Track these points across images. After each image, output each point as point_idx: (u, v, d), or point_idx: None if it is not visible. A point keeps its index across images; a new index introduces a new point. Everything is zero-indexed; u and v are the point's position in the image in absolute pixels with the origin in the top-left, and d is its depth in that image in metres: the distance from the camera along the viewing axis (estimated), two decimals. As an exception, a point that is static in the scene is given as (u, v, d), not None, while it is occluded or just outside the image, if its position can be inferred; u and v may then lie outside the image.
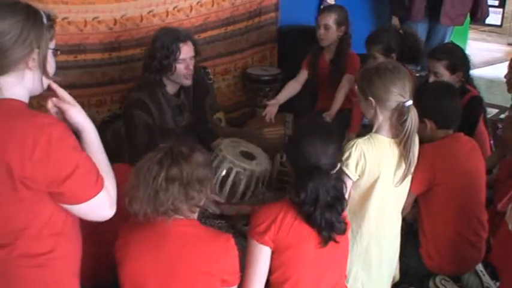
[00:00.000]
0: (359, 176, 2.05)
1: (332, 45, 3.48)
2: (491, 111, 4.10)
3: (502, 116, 3.88)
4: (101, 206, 1.49)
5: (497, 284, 2.35)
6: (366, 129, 2.21)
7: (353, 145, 2.03)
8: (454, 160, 2.35)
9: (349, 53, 3.47)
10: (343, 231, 1.80)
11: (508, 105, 2.95)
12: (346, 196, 1.89)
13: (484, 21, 4.93)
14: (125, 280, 1.67)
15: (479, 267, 2.43)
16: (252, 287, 1.79)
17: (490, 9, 4.57)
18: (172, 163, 1.61)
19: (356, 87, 2.18)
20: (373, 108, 2.06)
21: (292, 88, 3.56)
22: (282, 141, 3.48)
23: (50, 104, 1.53)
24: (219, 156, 2.88)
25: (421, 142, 2.21)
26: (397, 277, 2.32)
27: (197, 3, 3.70)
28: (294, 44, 4.08)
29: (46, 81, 1.53)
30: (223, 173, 2.83)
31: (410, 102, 2.02)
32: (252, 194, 2.82)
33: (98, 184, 1.47)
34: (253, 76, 4.07)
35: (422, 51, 3.21)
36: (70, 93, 1.56)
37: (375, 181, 2.05)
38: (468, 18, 4.49)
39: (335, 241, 1.78)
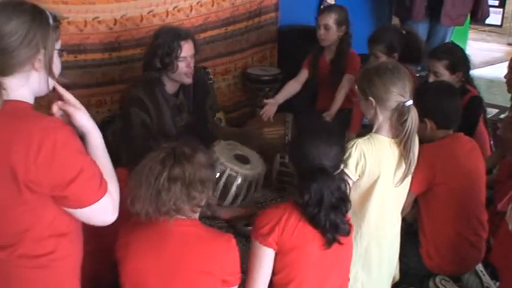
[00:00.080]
0: (359, 176, 2.05)
1: (332, 45, 3.48)
2: (491, 111, 4.10)
3: (502, 116, 3.88)
4: (104, 211, 1.49)
5: (497, 284, 2.35)
6: (366, 129, 2.21)
7: (353, 145, 2.02)
8: (454, 160, 2.35)
9: (349, 53, 3.48)
10: (348, 233, 1.80)
11: (508, 106, 2.95)
12: None
13: (484, 21, 4.93)
14: (126, 280, 1.67)
15: (479, 267, 2.43)
16: None
17: (490, 9, 4.57)
18: (175, 163, 1.61)
19: (356, 87, 2.18)
20: (373, 108, 2.06)
21: (291, 88, 3.56)
22: (282, 141, 3.48)
23: (55, 108, 1.52)
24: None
25: (420, 142, 2.21)
26: (397, 277, 2.32)
27: (197, 3, 3.70)
28: (294, 44, 4.08)
29: (51, 82, 1.52)
30: (216, 175, 2.83)
31: (410, 102, 2.02)
32: (244, 198, 2.79)
33: (101, 188, 1.46)
34: (253, 76, 4.07)
35: (423, 51, 3.22)
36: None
37: (375, 181, 2.05)
38: (468, 18, 4.49)
39: (339, 243, 1.77)
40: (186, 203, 1.62)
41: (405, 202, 2.23)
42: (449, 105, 2.43)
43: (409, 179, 2.14)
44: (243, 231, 2.88)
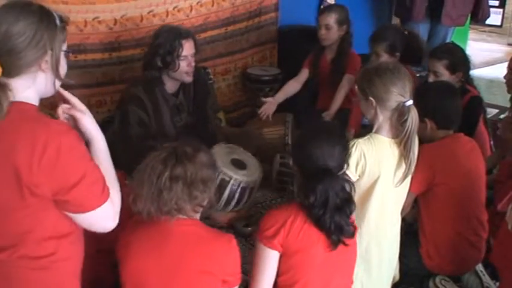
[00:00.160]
0: (359, 176, 2.05)
1: (333, 44, 3.48)
2: (491, 112, 4.09)
3: (502, 116, 3.88)
4: (105, 217, 1.48)
5: (497, 284, 2.35)
6: (366, 129, 2.21)
7: (353, 145, 2.02)
8: (454, 160, 2.35)
9: (350, 52, 3.47)
10: (352, 235, 1.79)
11: (508, 106, 2.95)
12: None
13: (485, 21, 4.93)
14: (127, 279, 1.67)
15: (479, 267, 2.43)
16: None
17: (490, 9, 4.57)
18: (177, 163, 1.62)
19: (356, 87, 2.18)
20: (373, 108, 2.06)
21: (291, 87, 3.56)
22: (282, 141, 3.48)
23: (60, 111, 1.52)
24: None
25: (421, 142, 2.21)
26: (397, 277, 2.32)
27: (197, 3, 3.70)
28: (294, 44, 4.09)
29: (58, 84, 1.52)
30: None
31: (410, 102, 2.03)
32: (238, 203, 2.76)
33: (104, 194, 1.46)
34: (253, 76, 4.08)
35: (424, 51, 3.22)
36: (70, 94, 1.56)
37: (375, 181, 2.05)
38: (468, 18, 4.49)
39: (344, 244, 1.77)
40: (188, 202, 1.62)
41: (405, 202, 2.23)
42: (449, 105, 2.43)
43: (409, 179, 2.14)
44: (243, 231, 2.89)
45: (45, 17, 1.46)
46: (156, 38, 2.85)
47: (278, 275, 1.80)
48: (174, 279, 1.63)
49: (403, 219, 2.28)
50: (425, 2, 4.19)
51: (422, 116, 2.20)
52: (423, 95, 2.32)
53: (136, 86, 2.88)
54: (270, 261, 1.77)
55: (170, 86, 2.94)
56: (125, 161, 1.99)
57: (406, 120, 2.01)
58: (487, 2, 4.42)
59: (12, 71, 1.42)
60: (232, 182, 2.69)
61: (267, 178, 3.24)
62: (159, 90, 2.89)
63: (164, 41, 2.80)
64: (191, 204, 1.63)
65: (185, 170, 1.61)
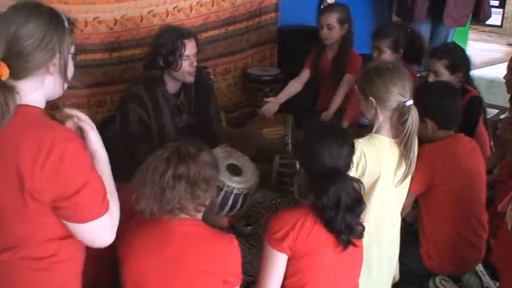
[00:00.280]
0: (359, 176, 2.04)
1: (335, 43, 3.47)
2: (492, 112, 4.10)
3: (502, 116, 3.88)
4: (103, 229, 1.46)
5: (497, 284, 2.35)
6: (366, 129, 2.21)
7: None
8: (455, 160, 2.35)
9: (351, 51, 3.47)
10: (361, 235, 1.80)
11: (508, 106, 2.95)
12: None
13: (485, 21, 4.94)
14: (128, 278, 1.68)
15: (479, 267, 2.43)
16: None
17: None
18: (180, 162, 1.62)
19: (356, 87, 2.18)
20: (373, 108, 2.06)
21: (293, 88, 3.56)
22: (282, 142, 3.48)
23: (71, 123, 1.51)
24: None
25: (421, 142, 2.21)
26: (397, 277, 2.32)
27: (197, 3, 3.70)
28: (294, 44, 4.08)
29: (65, 86, 1.51)
30: None
31: (410, 102, 2.02)
32: (231, 209, 2.73)
33: (103, 206, 1.44)
34: (253, 76, 4.07)
35: (425, 52, 3.22)
36: (70, 94, 1.56)
37: (375, 181, 2.05)
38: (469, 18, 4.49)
39: (354, 245, 1.77)
40: (190, 201, 1.63)
41: (405, 202, 2.23)
42: (450, 105, 2.43)
43: (409, 179, 2.14)
44: (243, 231, 2.89)
45: (54, 19, 1.44)
46: (158, 38, 2.85)
47: (285, 277, 1.80)
48: (175, 278, 1.64)
49: (403, 219, 2.28)
50: (426, 3, 4.20)
51: (423, 116, 2.20)
52: (424, 95, 2.33)
53: (137, 84, 2.89)
54: (278, 264, 1.77)
55: (172, 86, 2.93)
56: (123, 162, 2.00)
57: (406, 120, 2.01)
58: (488, 2, 4.42)
59: (19, 74, 1.40)
60: (225, 188, 2.66)
61: (266, 178, 3.24)
62: (160, 90, 2.89)
63: (166, 41, 2.80)
64: (194, 203, 1.64)
65: (188, 169, 1.62)
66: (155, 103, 2.86)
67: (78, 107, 3.23)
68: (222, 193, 2.68)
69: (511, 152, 2.63)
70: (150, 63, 2.86)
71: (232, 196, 2.68)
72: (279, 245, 1.74)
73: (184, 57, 2.82)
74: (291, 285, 1.80)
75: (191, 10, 3.68)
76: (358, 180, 1.81)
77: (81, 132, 1.52)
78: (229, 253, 1.68)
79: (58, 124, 1.45)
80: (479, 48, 6.48)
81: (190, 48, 2.84)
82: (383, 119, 2.06)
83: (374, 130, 2.08)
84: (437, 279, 2.36)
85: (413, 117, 2.02)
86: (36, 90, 1.44)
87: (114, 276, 1.99)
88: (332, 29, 3.40)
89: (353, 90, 3.13)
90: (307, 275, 1.77)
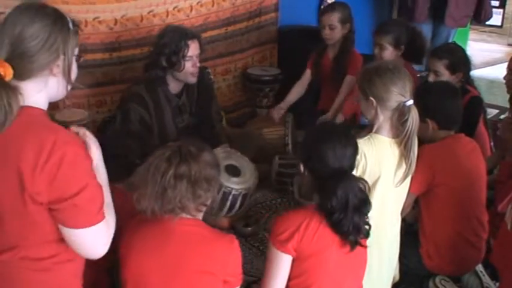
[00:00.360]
0: (359, 176, 2.04)
1: (337, 43, 3.47)
2: (492, 112, 4.10)
3: (502, 116, 3.88)
4: (98, 238, 1.44)
5: (497, 284, 2.35)
6: (366, 129, 2.21)
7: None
8: (455, 161, 2.35)
9: (352, 50, 3.47)
10: (367, 234, 1.80)
11: (509, 106, 2.95)
12: None
13: (486, 21, 4.94)
14: (128, 278, 1.68)
15: (479, 267, 2.43)
16: None
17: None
18: (181, 161, 1.62)
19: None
20: (373, 108, 2.06)
21: (296, 93, 3.59)
22: (282, 142, 3.48)
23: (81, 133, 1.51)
24: None
25: (421, 142, 2.21)
26: (397, 277, 2.32)
27: (197, 3, 3.70)
28: (294, 44, 4.09)
29: (69, 88, 1.50)
30: None
31: (411, 102, 2.02)
32: (230, 210, 2.72)
33: (100, 213, 1.43)
34: (253, 76, 4.07)
35: (426, 50, 3.22)
36: (70, 94, 1.55)
37: (375, 181, 2.05)
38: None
39: (361, 245, 1.77)
40: (192, 201, 1.63)
41: (405, 203, 2.23)
42: (452, 105, 2.43)
43: (409, 179, 2.14)
44: (243, 231, 2.89)
45: (59, 20, 1.43)
46: (162, 38, 2.84)
47: (290, 278, 1.79)
48: (175, 278, 1.64)
49: (403, 220, 2.28)
50: (427, 3, 4.20)
51: (423, 116, 2.21)
52: (425, 95, 2.33)
53: (139, 84, 2.88)
54: (283, 265, 1.77)
55: (174, 87, 2.93)
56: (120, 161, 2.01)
57: (406, 120, 2.01)
58: (490, 3, 4.43)
59: (23, 74, 1.40)
60: (223, 189, 2.65)
61: (266, 178, 3.24)
62: (162, 90, 2.88)
63: (170, 41, 2.79)
64: (195, 203, 1.64)
65: (189, 168, 1.62)
66: (157, 103, 2.86)
67: (78, 107, 3.24)
68: (221, 194, 2.66)
69: (511, 152, 2.63)
70: (153, 63, 2.86)
71: (230, 197, 2.67)
72: (284, 246, 1.74)
73: (187, 58, 2.81)
74: (295, 286, 1.79)
75: (191, 10, 3.69)
76: (363, 180, 1.81)
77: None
78: (229, 253, 1.68)
79: (60, 126, 1.44)
80: (480, 49, 6.47)
81: (193, 49, 2.83)
82: (383, 119, 2.06)
83: (374, 130, 2.08)
84: (437, 279, 2.36)
85: (414, 117, 2.02)
86: (40, 91, 1.44)
87: (111, 279, 2.00)
88: (334, 29, 3.40)
89: (354, 91, 3.13)
90: (312, 276, 1.77)
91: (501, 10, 5.87)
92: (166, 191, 1.60)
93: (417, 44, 3.20)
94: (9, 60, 1.37)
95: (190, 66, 2.84)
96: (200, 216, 1.71)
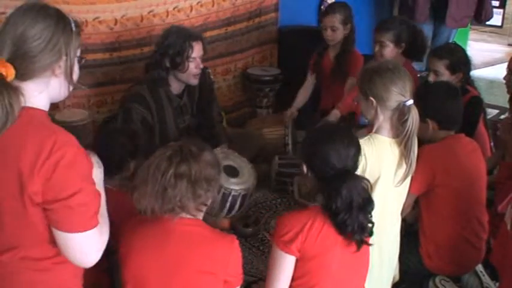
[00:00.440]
0: (359, 176, 2.05)
1: (338, 43, 3.47)
2: (492, 112, 4.10)
3: (502, 116, 3.88)
4: (90, 245, 1.42)
5: (497, 284, 2.35)
6: (366, 129, 2.21)
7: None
8: (455, 161, 2.35)
9: (353, 50, 3.47)
10: (371, 233, 1.80)
11: (508, 106, 2.95)
12: None
13: (486, 22, 4.94)
14: (129, 276, 1.68)
15: (479, 267, 2.43)
16: None
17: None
18: (182, 160, 1.63)
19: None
20: (373, 108, 2.06)
21: (303, 97, 3.62)
22: (282, 141, 3.49)
23: None
24: None
25: (421, 142, 2.21)
26: (397, 277, 2.32)
27: (197, 3, 3.70)
28: (294, 44, 4.09)
29: (70, 89, 1.50)
30: None
31: (411, 102, 2.02)
32: (229, 211, 2.71)
33: (93, 220, 1.41)
34: (253, 76, 4.08)
35: (427, 48, 3.21)
36: (71, 94, 1.55)
37: (376, 181, 2.05)
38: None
39: (367, 244, 1.78)
40: (192, 200, 1.63)
41: (405, 203, 2.23)
42: (452, 106, 2.42)
43: (409, 179, 2.14)
44: (244, 232, 2.89)
45: (61, 21, 1.43)
46: (166, 38, 2.83)
47: (293, 279, 1.79)
48: (175, 278, 1.64)
49: (404, 220, 2.28)
50: (428, 3, 4.20)
51: (424, 117, 2.20)
52: (425, 95, 2.33)
53: (141, 84, 2.88)
54: (286, 266, 1.77)
55: (175, 87, 2.93)
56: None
57: (406, 120, 2.01)
58: (490, 3, 4.43)
59: (25, 75, 1.39)
60: (223, 190, 2.64)
61: (266, 178, 3.24)
62: (164, 90, 2.88)
63: (174, 42, 2.79)
64: (195, 202, 1.64)
65: (190, 167, 1.62)
66: (159, 104, 2.86)
67: (78, 107, 3.25)
68: (220, 195, 2.66)
69: (511, 152, 2.63)
70: (156, 63, 2.85)
71: (230, 198, 2.66)
72: (288, 247, 1.74)
73: (191, 59, 2.81)
74: (298, 287, 1.79)
75: (191, 10, 3.69)
76: (365, 179, 1.81)
77: None
78: (230, 253, 1.68)
79: (61, 128, 1.43)
80: (480, 49, 6.48)
81: (197, 50, 2.84)
82: (383, 118, 2.06)
83: (374, 130, 2.08)
84: (437, 279, 2.36)
85: (414, 117, 2.01)
86: (41, 92, 1.43)
87: (111, 279, 2.00)
88: (336, 31, 3.40)
89: (354, 91, 3.13)
90: (315, 277, 1.77)
91: (501, 10, 5.87)
92: (166, 190, 1.60)
93: (418, 41, 3.19)
94: (11, 60, 1.37)
95: (193, 68, 2.84)
96: (200, 216, 1.71)
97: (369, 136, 2.08)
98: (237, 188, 2.67)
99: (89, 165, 1.43)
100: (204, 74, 3.01)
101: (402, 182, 2.10)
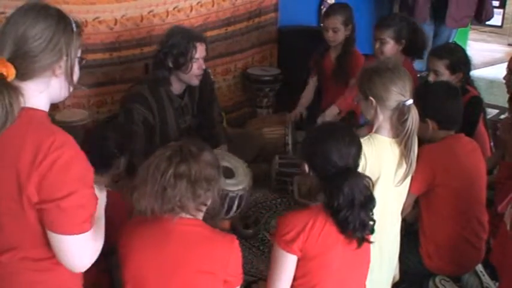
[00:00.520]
0: (359, 176, 2.05)
1: (339, 44, 3.47)
2: (492, 112, 4.09)
3: (502, 116, 3.88)
4: (84, 249, 1.41)
5: (497, 284, 2.35)
6: (365, 128, 2.21)
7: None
8: (455, 161, 2.35)
9: (354, 50, 3.47)
10: (373, 230, 1.80)
11: (508, 106, 2.95)
12: None
13: (487, 22, 4.95)
14: (129, 277, 1.68)
15: (479, 267, 2.44)
16: None
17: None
18: (181, 160, 1.63)
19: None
20: (373, 108, 2.06)
21: (307, 100, 3.64)
22: (282, 141, 3.49)
23: None
24: None
25: (421, 142, 2.21)
26: (397, 277, 2.32)
27: (197, 3, 3.71)
28: (294, 44, 4.09)
29: (71, 89, 1.50)
30: None
31: (410, 102, 2.02)
32: (227, 213, 2.68)
33: (86, 223, 1.40)
34: (253, 76, 4.08)
35: (427, 45, 3.21)
36: (71, 94, 1.55)
37: (376, 181, 2.04)
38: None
39: (368, 241, 1.78)
40: (191, 200, 1.63)
41: (405, 203, 2.23)
42: (452, 106, 2.42)
43: (409, 178, 2.14)
44: (244, 233, 2.89)
45: (62, 21, 1.43)
46: (170, 38, 2.83)
47: (294, 278, 1.79)
48: (173, 277, 1.64)
49: (404, 219, 2.28)
50: (427, 4, 4.20)
51: (424, 117, 2.20)
52: (425, 95, 2.33)
53: (142, 84, 2.88)
54: (288, 265, 1.76)
55: (177, 88, 2.93)
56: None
57: (406, 120, 2.01)
58: (491, 3, 4.43)
59: (26, 75, 1.39)
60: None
61: (265, 179, 3.24)
62: (165, 90, 2.88)
63: (178, 43, 2.79)
64: (195, 202, 1.64)
65: (189, 167, 1.62)
66: (160, 104, 2.86)
67: (78, 107, 3.25)
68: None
69: (511, 152, 2.63)
70: (159, 63, 2.84)
71: (227, 199, 2.64)
72: (289, 246, 1.74)
73: (194, 60, 2.82)
74: (299, 286, 1.79)
75: (191, 10, 3.69)
76: (367, 177, 1.81)
77: None
78: (230, 253, 1.68)
79: (60, 128, 1.43)
80: (480, 49, 6.47)
81: (200, 51, 2.84)
82: (383, 118, 2.06)
83: (374, 130, 2.08)
84: (437, 279, 2.36)
85: (413, 116, 2.02)
86: (42, 92, 1.43)
87: (111, 279, 2.00)
88: (337, 32, 3.41)
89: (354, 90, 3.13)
90: (317, 277, 1.77)
91: (501, 10, 5.87)
92: (166, 190, 1.60)
93: (418, 38, 3.19)
94: (11, 60, 1.37)
95: (196, 68, 2.84)
96: (200, 216, 1.71)
97: (368, 136, 2.08)
98: (233, 189, 2.65)
99: (87, 168, 1.42)
100: (205, 75, 3.01)
101: (402, 182, 2.10)
